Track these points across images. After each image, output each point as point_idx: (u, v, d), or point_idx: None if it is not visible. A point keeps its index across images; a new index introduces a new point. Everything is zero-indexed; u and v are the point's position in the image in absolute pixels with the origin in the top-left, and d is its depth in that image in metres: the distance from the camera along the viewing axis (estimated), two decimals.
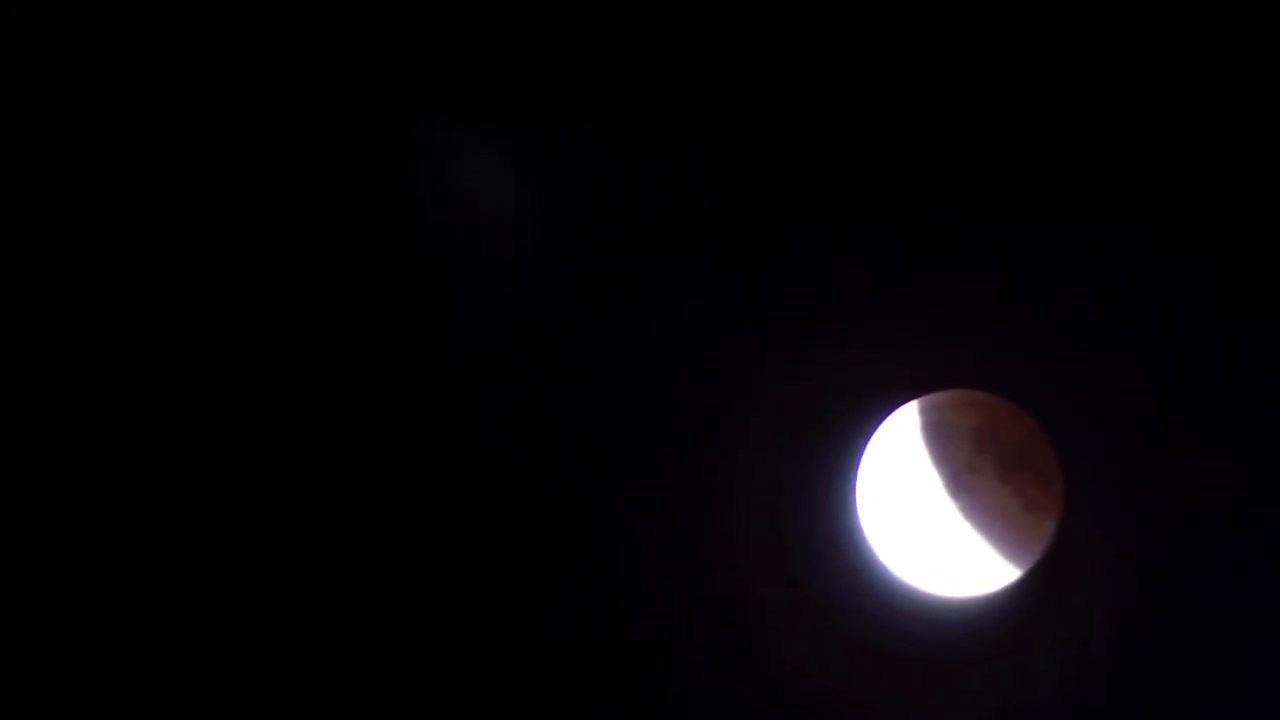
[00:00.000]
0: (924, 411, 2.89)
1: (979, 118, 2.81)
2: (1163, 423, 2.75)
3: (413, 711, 3.09)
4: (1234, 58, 2.67)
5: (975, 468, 2.87)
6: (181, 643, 3.08)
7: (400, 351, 3.10)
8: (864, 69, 2.86)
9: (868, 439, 2.96)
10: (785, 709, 3.02)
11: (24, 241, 3.01)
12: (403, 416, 3.12)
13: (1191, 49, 2.68)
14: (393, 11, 3.00)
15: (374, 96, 3.02)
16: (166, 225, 3.03)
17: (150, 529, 3.08)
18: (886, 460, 2.94)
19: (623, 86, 2.99)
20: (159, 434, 3.07)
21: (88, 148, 2.99)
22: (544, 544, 3.10)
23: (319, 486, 3.10)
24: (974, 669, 2.93)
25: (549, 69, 3.00)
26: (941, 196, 2.85)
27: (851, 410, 2.97)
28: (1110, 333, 2.76)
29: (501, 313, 3.08)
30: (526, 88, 3.01)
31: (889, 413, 2.94)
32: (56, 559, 3.05)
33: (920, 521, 2.92)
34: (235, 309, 3.06)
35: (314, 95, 3.01)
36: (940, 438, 2.89)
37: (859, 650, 2.98)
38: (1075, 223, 2.76)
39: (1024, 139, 2.78)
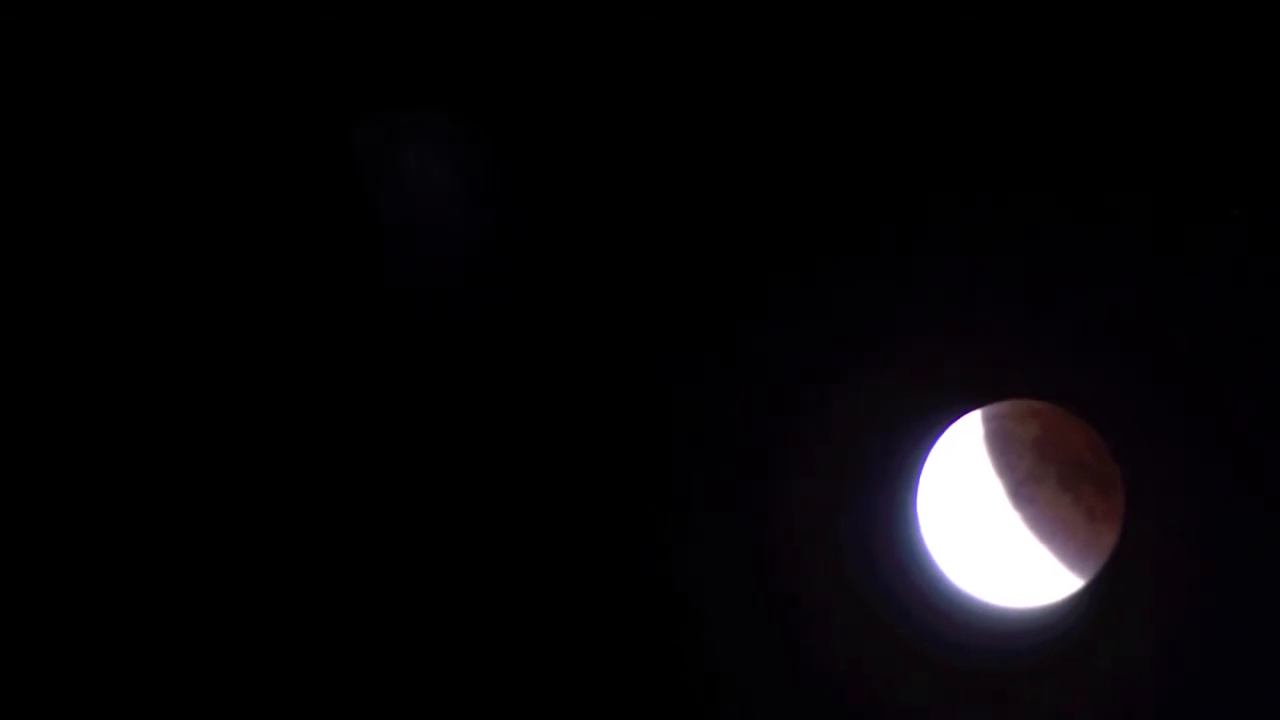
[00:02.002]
0: (986, 421, 2.91)
1: (1045, 124, 2.99)
2: (1224, 432, 2.94)
3: (470, 704, 3.00)
4: None
5: (1037, 478, 2.89)
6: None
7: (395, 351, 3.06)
8: (937, 64, 2.99)
9: (929, 448, 2.93)
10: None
11: None
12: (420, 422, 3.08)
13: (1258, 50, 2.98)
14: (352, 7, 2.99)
15: (327, 90, 3.02)
16: (125, 216, 2.99)
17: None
18: (948, 470, 2.91)
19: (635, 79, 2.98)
20: (115, 416, 2.99)
21: (35, 143, 2.95)
22: (599, 545, 3.06)
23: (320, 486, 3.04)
24: (1036, 679, 2.89)
25: (522, 63, 2.98)
26: (1002, 205, 2.98)
27: (913, 419, 2.95)
28: (1172, 344, 2.94)
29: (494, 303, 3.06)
30: (494, 82, 2.97)
31: (951, 422, 2.93)
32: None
33: (982, 531, 2.88)
34: (191, 299, 3.01)
35: (270, 87, 3.00)
36: (1002, 448, 2.90)
37: (919, 660, 2.93)
38: (1138, 232, 2.95)
39: (1089, 148, 2.97)
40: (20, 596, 2.95)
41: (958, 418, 2.91)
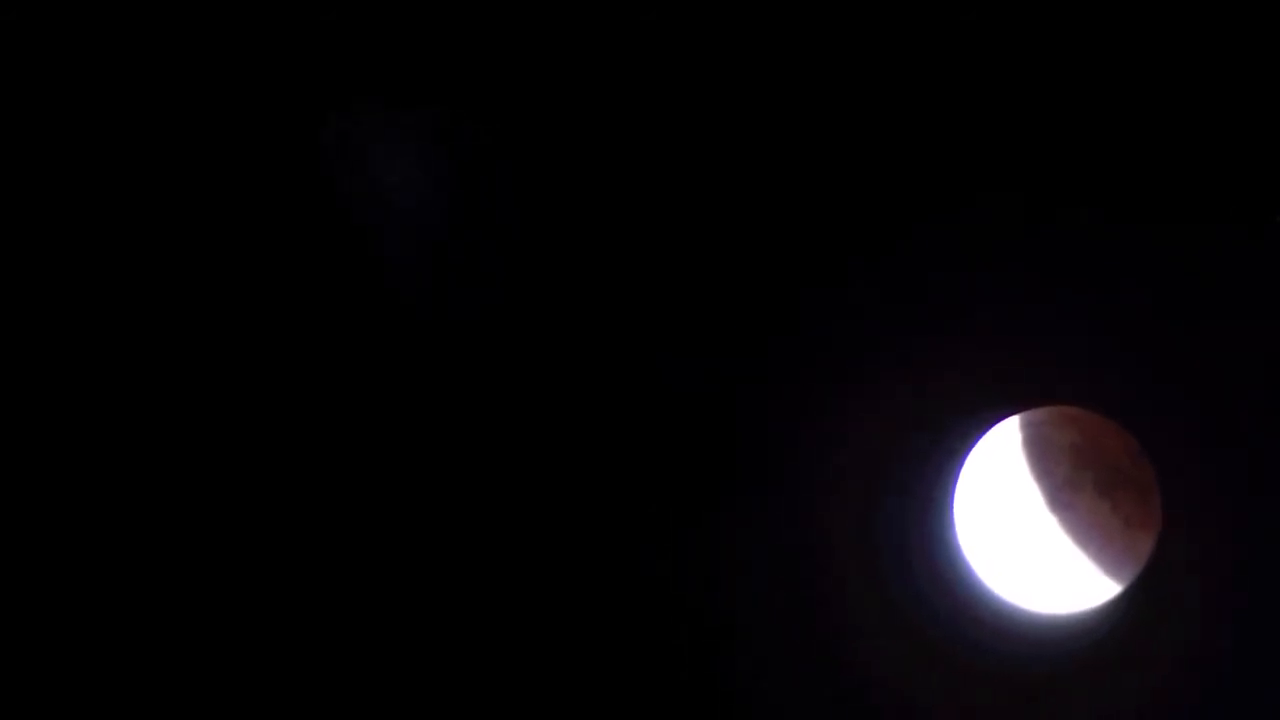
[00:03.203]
0: (1024, 427, 2.92)
1: (1076, 126, 2.96)
2: (1262, 438, 2.94)
3: (493, 698, 2.98)
4: None
5: (1075, 484, 2.91)
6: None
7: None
8: (976, 53, 2.96)
9: (967, 453, 2.94)
10: None
11: None
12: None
13: None
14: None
15: (328, 88, 2.96)
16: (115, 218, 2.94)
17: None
18: (986, 475, 2.92)
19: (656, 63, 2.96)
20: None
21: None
22: (618, 553, 3.03)
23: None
24: (1072, 686, 2.89)
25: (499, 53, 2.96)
26: (1044, 207, 2.96)
27: (951, 424, 2.96)
28: (1210, 349, 2.93)
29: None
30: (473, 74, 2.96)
31: (989, 427, 2.94)
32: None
33: (1019, 537, 2.89)
34: (187, 301, 2.96)
35: (270, 83, 2.94)
36: (1040, 453, 2.91)
37: (955, 667, 2.90)
38: (1181, 236, 2.92)
39: (1125, 150, 2.94)
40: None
41: (995, 423, 2.92)
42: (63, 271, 2.95)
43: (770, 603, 2.94)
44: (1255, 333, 2.86)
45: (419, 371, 3.00)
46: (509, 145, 2.98)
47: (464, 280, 3.01)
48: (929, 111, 2.94)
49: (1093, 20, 2.90)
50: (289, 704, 2.96)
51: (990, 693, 2.88)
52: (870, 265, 2.96)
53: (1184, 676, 2.86)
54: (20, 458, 2.93)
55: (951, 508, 2.92)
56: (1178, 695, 2.86)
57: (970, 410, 2.95)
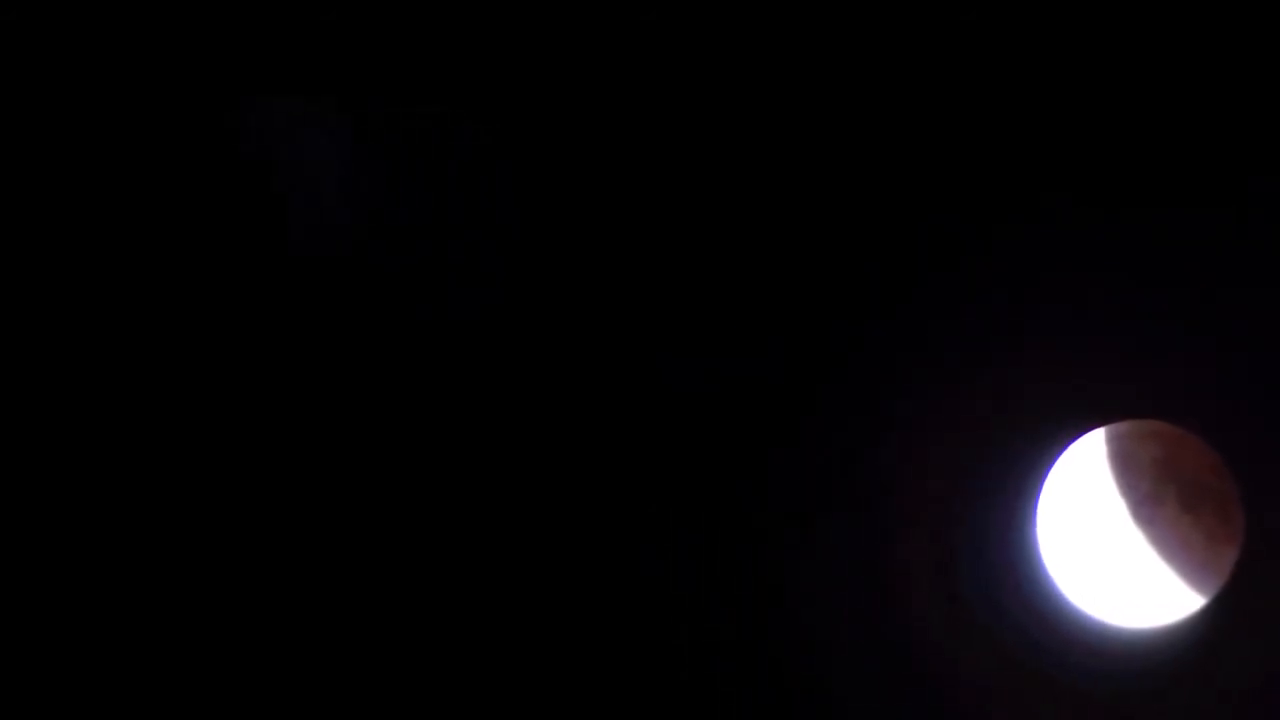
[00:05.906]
0: (1107, 441, 2.94)
1: (1165, 126, 2.91)
2: None
3: (494, 699, 2.97)
4: None
5: (1157, 498, 2.92)
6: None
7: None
8: (1058, 42, 2.90)
9: (1050, 466, 2.95)
10: None
11: None
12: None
13: None
14: None
15: (212, 75, 2.91)
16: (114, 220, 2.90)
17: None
18: (1069, 489, 2.94)
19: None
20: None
21: None
22: (703, 562, 2.97)
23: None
24: (1154, 700, 2.90)
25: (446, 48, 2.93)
26: (1131, 214, 2.92)
27: (1034, 438, 2.97)
28: None
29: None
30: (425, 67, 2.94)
31: (1072, 442, 2.96)
32: None
33: (1102, 551, 2.91)
34: (182, 302, 2.93)
35: (148, 73, 2.88)
36: (1123, 468, 2.93)
37: (1036, 680, 2.90)
38: (1266, 247, 2.92)
39: (1214, 155, 2.91)
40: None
41: (1078, 437, 2.94)
42: (61, 276, 2.93)
43: (846, 620, 2.93)
44: None
45: (419, 372, 2.97)
46: (509, 145, 2.93)
47: (464, 280, 2.98)
48: (1006, 109, 2.91)
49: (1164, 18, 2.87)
50: (289, 704, 2.96)
51: (1072, 706, 2.90)
52: (953, 275, 2.95)
53: (1266, 691, 2.88)
54: None
55: (1035, 521, 2.94)
56: (1260, 709, 2.88)
57: (1053, 424, 2.96)
